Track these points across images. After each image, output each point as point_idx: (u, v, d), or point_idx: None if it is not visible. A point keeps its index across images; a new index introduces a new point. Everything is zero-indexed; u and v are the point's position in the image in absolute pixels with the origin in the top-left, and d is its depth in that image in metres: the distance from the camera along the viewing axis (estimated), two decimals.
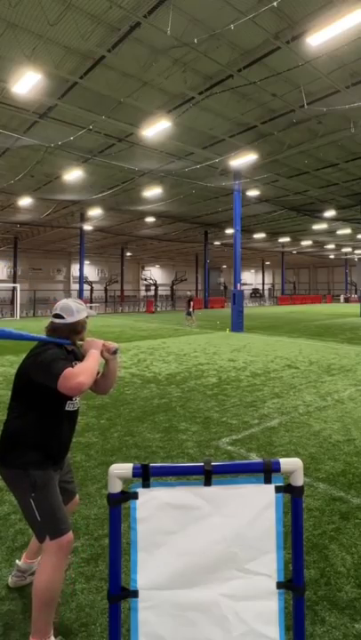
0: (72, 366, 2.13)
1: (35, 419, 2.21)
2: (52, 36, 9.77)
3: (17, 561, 2.59)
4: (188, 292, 27.27)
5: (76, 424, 2.44)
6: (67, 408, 2.28)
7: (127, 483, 1.49)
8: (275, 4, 7.98)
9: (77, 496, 2.57)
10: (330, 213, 27.07)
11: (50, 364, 2.10)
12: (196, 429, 5.28)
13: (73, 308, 2.31)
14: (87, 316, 2.37)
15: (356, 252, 50.17)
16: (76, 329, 2.33)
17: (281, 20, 9.30)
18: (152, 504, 1.48)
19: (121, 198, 24.81)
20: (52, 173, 20.18)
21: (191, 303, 20.68)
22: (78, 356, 2.37)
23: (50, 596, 2.05)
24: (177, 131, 14.71)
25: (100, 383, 2.47)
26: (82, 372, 2.08)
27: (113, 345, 2.37)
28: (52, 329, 2.31)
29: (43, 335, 2.33)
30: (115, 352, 2.38)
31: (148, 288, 55.55)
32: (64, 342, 2.31)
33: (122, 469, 1.48)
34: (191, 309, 20.33)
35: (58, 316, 2.30)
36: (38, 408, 2.21)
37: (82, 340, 2.37)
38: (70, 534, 2.14)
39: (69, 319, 2.29)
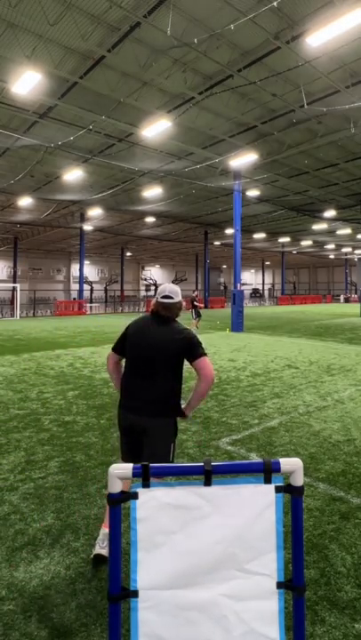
0: None
1: (179, 382, 2.82)
2: (52, 35, 9.77)
3: (107, 531, 2.61)
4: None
5: None
6: None
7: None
8: (275, 3, 8.00)
9: None
10: (330, 213, 27.06)
11: (199, 343, 2.85)
12: (196, 429, 5.28)
13: (178, 291, 2.89)
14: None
15: (357, 251, 50.16)
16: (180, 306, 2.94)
17: (281, 20, 9.30)
18: (152, 504, 1.47)
19: (121, 198, 24.81)
20: (51, 173, 20.17)
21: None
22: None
23: None
24: (177, 131, 14.71)
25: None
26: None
27: None
28: (166, 307, 2.81)
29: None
30: None
31: (148, 288, 55.56)
32: None
33: (122, 469, 1.47)
34: None
35: (168, 297, 2.81)
36: (180, 374, 2.84)
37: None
38: None
39: (177, 299, 2.85)
